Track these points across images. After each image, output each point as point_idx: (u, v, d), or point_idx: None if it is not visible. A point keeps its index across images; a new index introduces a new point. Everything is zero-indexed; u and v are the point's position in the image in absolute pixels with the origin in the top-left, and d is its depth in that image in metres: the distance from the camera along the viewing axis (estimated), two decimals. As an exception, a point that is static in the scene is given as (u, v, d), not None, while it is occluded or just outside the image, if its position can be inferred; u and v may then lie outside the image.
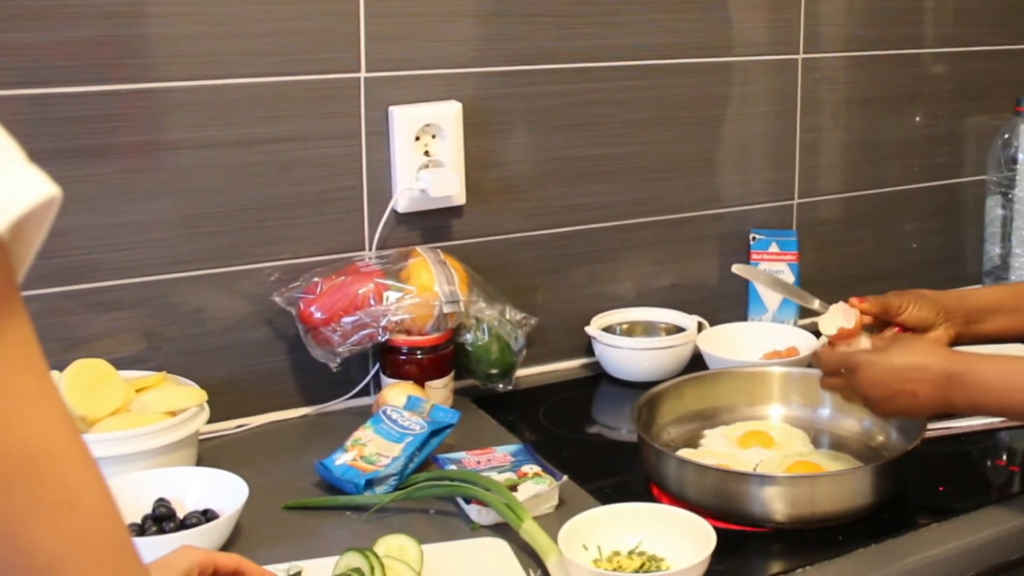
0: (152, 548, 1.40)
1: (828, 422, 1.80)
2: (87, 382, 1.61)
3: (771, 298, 2.23)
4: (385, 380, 1.90)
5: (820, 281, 2.34)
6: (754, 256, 2.24)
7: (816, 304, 1.79)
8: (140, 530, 1.46)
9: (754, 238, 2.25)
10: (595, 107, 2.11)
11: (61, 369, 1.62)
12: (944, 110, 2.50)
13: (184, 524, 1.47)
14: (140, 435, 1.58)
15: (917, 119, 2.47)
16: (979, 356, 1.55)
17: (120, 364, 1.69)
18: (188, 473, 1.58)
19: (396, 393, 1.80)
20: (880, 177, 2.45)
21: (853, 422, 1.78)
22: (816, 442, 1.76)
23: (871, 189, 2.45)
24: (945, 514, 1.58)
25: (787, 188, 2.34)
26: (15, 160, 0.69)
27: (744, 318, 2.25)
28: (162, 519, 1.48)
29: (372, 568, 1.32)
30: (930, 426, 1.61)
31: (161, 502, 1.51)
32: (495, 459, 1.67)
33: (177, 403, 1.66)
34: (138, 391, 1.67)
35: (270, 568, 1.38)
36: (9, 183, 0.67)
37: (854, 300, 1.71)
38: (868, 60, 2.38)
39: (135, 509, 1.49)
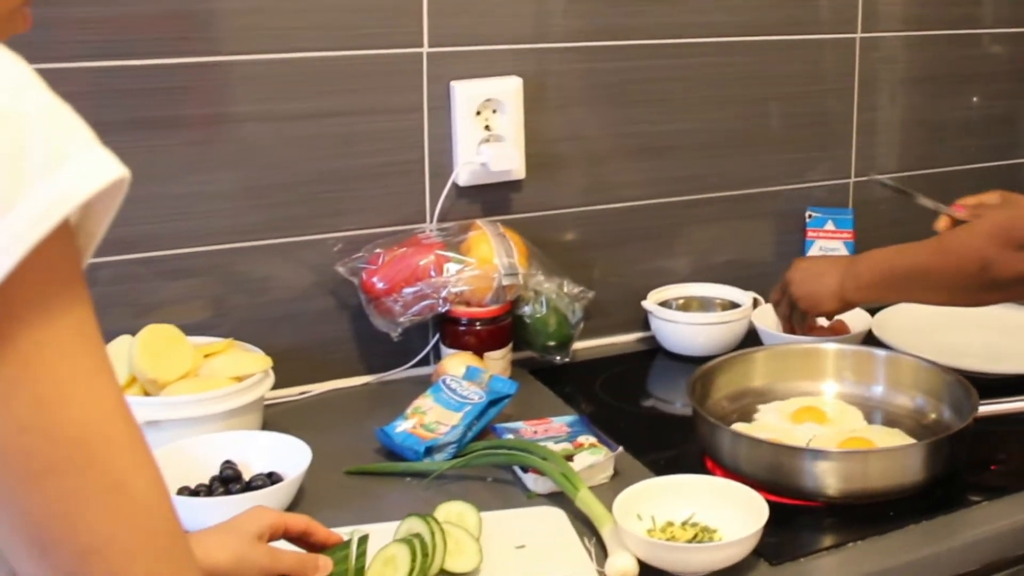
0: (219, 508, 1.45)
1: (881, 399, 1.81)
2: (158, 346, 1.65)
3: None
4: (445, 350, 1.93)
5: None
6: (810, 234, 2.26)
7: (946, 209, 1.91)
8: (208, 491, 1.50)
9: (810, 216, 2.26)
10: (654, 84, 2.13)
11: (133, 333, 1.66)
12: (1002, 90, 2.50)
13: (250, 486, 1.51)
14: (208, 399, 1.62)
15: (975, 99, 2.47)
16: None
17: (188, 330, 1.73)
18: (254, 437, 1.62)
19: (455, 363, 1.83)
20: (937, 157, 2.45)
21: (906, 399, 1.79)
22: (869, 419, 1.77)
23: (927, 169, 2.45)
24: (997, 492, 1.59)
25: (844, 167, 2.35)
26: (85, 141, 0.71)
27: (799, 295, 2.27)
28: (229, 480, 1.52)
29: (433, 533, 1.35)
30: (982, 404, 1.62)
31: (228, 464, 1.55)
32: (552, 429, 1.70)
33: (243, 369, 1.70)
34: (206, 356, 1.71)
35: (334, 531, 1.42)
36: (78, 165, 0.69)
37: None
38: (926, 40, 2.38)
39: (203, 470, 1.54)
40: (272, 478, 1.53)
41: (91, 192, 0.69)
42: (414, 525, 1.37)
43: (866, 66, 2.32)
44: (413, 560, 1.30)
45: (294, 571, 1.22)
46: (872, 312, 2.12)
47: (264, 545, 1.21)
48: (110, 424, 0.72)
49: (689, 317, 2.10)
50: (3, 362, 0.68)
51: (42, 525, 0.70)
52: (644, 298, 2.12)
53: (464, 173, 1.97)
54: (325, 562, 1.25)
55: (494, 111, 1.97)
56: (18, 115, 0.69)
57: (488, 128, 1.97)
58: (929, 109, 2.42)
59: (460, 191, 1.99)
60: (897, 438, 1.68)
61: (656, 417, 1.93)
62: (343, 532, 1.41)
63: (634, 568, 1.35)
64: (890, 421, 1.76)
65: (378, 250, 1.89)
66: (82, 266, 0.74)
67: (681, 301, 2.16)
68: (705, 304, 2.16)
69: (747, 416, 1.78)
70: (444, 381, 1.75)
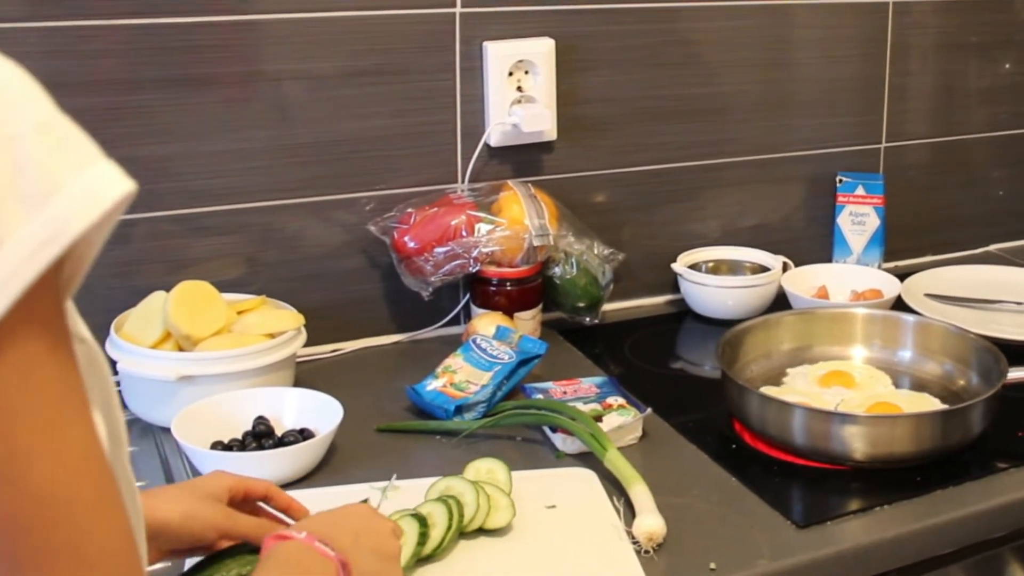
0: (252, 463, 1.47)
1: (910, 364, 1.81)
2: (192, 303, 1.66)
3: (856, 240, 2.24)
4: (475, 310, 1.94)
5: (906, 226, 2.36)
6: (840, 199, 2.25)
7: None
8: (241, 445, 1.52)
9: (840, 180, 2.26)
10: (686, 47, 2.12)
11: (167, 290, 1.68)
12: (1035, 57, 2.49)
13: (282, 441, 1.52)
14: (242, 355, 1.63)
15: (1007, 66, 2.46)
16: None
17: (222, 287, 1.74)
18: (287, 393, 1.64)
19: (485, 323, 1.84)
20: (968, 123, 2.44)
21: (934, 365, 1.79)
22: (897, 383, 1.77)
23: (958, 135, 2.44)
24: (1024, 459, 1.59)
25: (875, 132, 2.34)
26: (80, 161, 0.66)
27: (829, 259, 2.27)
28: (261, 436, 1.54)
29: (477, 494, 1.36)
30: (1011, 371, 1.63)
31: (261, 420, 1.56)
32: (581, 390, 1.71)
33: (276, 326, 1.71)
34: (239, 313, 1.73)
35: (363, 486, 1.44)
36: (70, 196, 0.65)
37: None
38: (958, 6, 2.37)
39: (236, 425, 1.56)
40: (304, 434, 1.54)
41: (83, 228, 0.65)
42: (453, 484, 1.39)
43: (898, 31, 2.31)
44: (450, 519, 1.32)
45: (252, 534, 1.18)
46: (902, 278, 2.13)
47: (221, 505, 1.19)
48: (78, 482, 0.68)
49: (718, 280, 2.10)
50: None
51: None
52: (674, 261, 2.13)
53: (496, 134, 1.97)
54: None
55: (526, 72, 1.97)
56: (8, 138, 0.64)
57: (520, 89, 1.97)
58: (960, 75, 2.41)
59: (492, 152, 1.99)
60: (925, 403, 1.68)
61: (685, 379, 1.93)
62: (376, 486, 1.44)
63: (662, 528, 1.36)
64: (918, 386, 1.76)
65: (410, 210, 1.90)
66: (64, 303, 0.70)
67: (711, 264, 2.16)
68: (734, 267, 2.17)
69: (775, 380, 1.78)
70: (474, 340, 1.76)
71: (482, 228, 1.88)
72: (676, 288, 2.15)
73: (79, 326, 0.78)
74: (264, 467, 1.47)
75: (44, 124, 0.66)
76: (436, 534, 1.31)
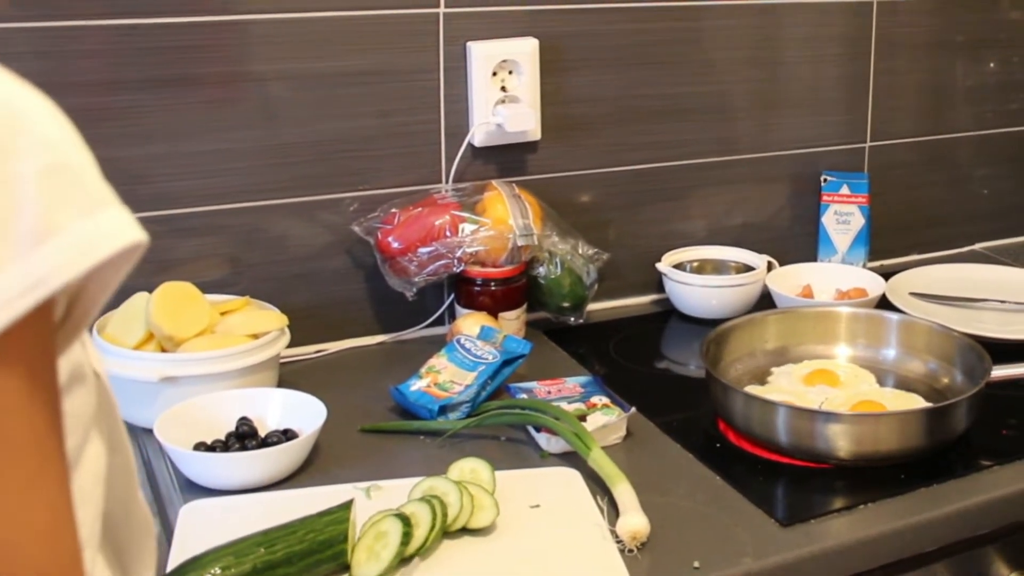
0: (234, 464, 1.47)
1: (894, 363, 1.81)
2: (175, 303, 1.66)
3: (841, 239, 2.24)
4: (459, 310, 1.93)
5: (890, 225, 2.36)
6: (825, 198, 2.25)
7: None
8: (224, 446, 1.52)
9: (825, 180, 2.26)
10: (670, 46, 2.12)
11: (150, 291, 1.67)
12: (1019, 56, 2.48)
13: (265, 442, 1.52)
14: (225, 356, 1.63)
15: (992, 65, 2.46)
16: None
17: (205, 288, 1.74)
18: (270, 394, 1.63)
19: (470, 323, 1.84)
20: (953, 122, 2.45)
21: (919, 364, 1.79)
22: (882, 382, 1.77)
23: (943, 134, 2.45)
24: (1008, 456, 1.59)
25: (859, 130, 2.35)
26: (86, 206, 0.63)
27: (814, 259, 2.27)
28: (245, 437, 1.53)
29: (461, 494, 1.36)
30: (995, 369, 1.63)
31: (244, 420, 1.56)
32: (565, 390, 1.71)
33: (260, 326, 1.70)
34: (222, 314, 1.72)
35: (347, 487, 1.43)
36: (69, 240, 0.61)
37: None
38: (943, 4, 2.37)
39: (219, 426, 1.55)
40: (287, 435, 1.54)
41: (73, 276, 0.62)
42: (438, 484, 1.38)
43: (883, 30, 2.31)
44: (434, 519, 1.32)
45: None
46: (886, 276, 2.13)
47: None
48: (30, 546, 0.63)
49: (703, 279, 2.10)
50: None
51: None
52: (659, 260, 2.13)
53: (480, 134, 1.97)
54: None
55: (510, 72, 1.97)
56: (10, 178, 0.61)
57: (504, 89, 1.97)
58: (946, 74, 2.41)
59: (476, 152, 1.99)
60: (909, 401, 1.68)
61: (669, 379, 1.93)
62: (360, 487, 1.44)
63: (645, 527, 1.36)
64: (902, 385, 1.76)
65: (394, 210, 1.90)
66: (52, 348, 0.65)
67: (696, 263, 2.16)
68: (719, 267, 2.17)
69: (760, 378, 1.78)
70: (459, 341, 1.76)
71: (466, 228, 1.88)
72: (661, 288, 2.15)
73: (92, 360, 0.76)
74: (247, 468, 1.47)
75: (54, 166, 0.62)
76: (419, 534, 1.31)
